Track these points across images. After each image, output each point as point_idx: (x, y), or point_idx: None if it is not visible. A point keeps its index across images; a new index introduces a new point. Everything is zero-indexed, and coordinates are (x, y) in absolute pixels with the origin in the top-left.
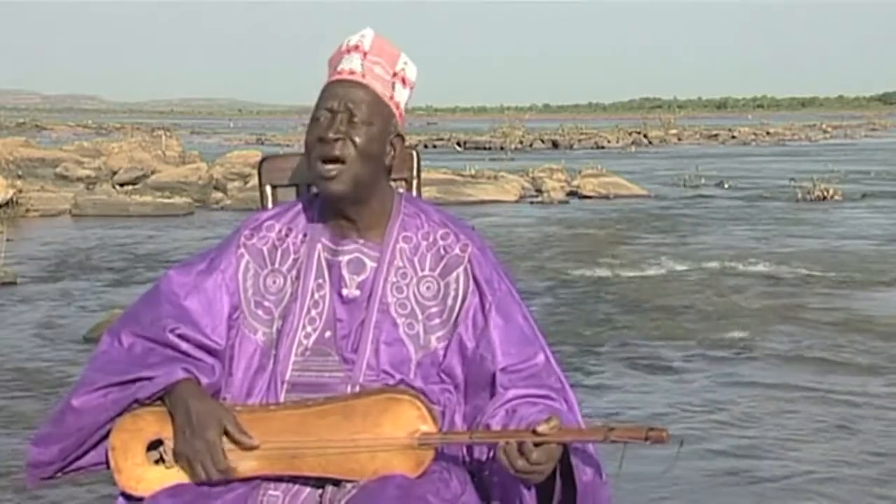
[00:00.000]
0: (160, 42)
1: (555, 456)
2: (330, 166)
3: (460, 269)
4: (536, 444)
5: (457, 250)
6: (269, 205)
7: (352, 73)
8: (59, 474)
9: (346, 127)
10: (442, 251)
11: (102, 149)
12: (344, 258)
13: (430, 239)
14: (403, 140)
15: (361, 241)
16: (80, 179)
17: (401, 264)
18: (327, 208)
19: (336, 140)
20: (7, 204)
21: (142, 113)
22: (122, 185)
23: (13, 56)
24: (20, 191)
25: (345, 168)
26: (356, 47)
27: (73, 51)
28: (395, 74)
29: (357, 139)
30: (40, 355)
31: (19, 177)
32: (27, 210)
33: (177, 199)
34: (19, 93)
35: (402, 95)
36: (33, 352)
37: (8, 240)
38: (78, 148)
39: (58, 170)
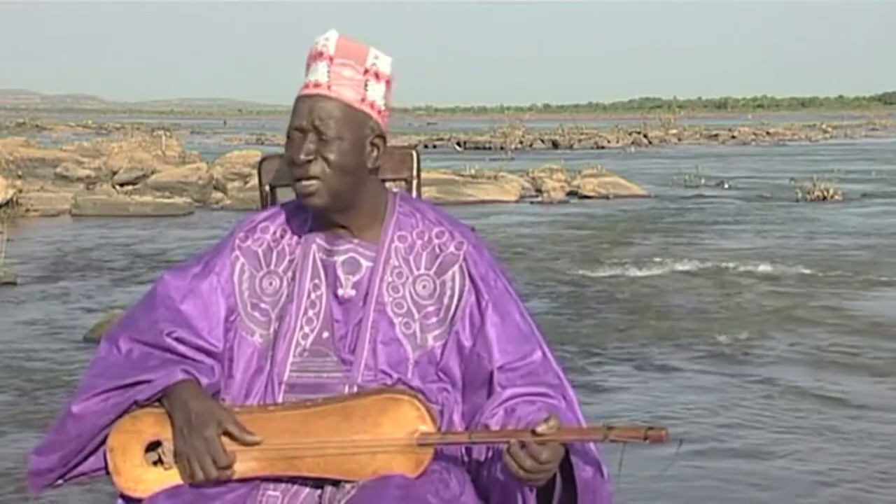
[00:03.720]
0: (160, 42)
1: (559, 454)
2: (306, 182)
3: (456, 268)
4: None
5: (452, 248)
6: (269, 205)
7: (317, 85)
8: (61, 481)
9: (315, 146)
10: (437, 250)
11: (102, 149)
12: (339, 258)
13: (426, 238)
14: (385, 139)
15: (356, 240)
16: (80, 179)
17: (396, 263)
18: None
19: (307, 162)
20: (7, 204)
21: (142, 113)
22: (122, 185)
23: (13, 56)
24: (20, 191)
25: (320, 184)
26: (321, 54)
27: (73, 51)
28: (366, 72)
29: (329, 156)
30: (40, 355)
31: (19, 177)
32: (27, 210)
33: (177, 199)
34: (19, 93)
35: (377, 92)
36: (33, 352)
37: (8, 240)
38: (78, 148)
39: (58, 170)
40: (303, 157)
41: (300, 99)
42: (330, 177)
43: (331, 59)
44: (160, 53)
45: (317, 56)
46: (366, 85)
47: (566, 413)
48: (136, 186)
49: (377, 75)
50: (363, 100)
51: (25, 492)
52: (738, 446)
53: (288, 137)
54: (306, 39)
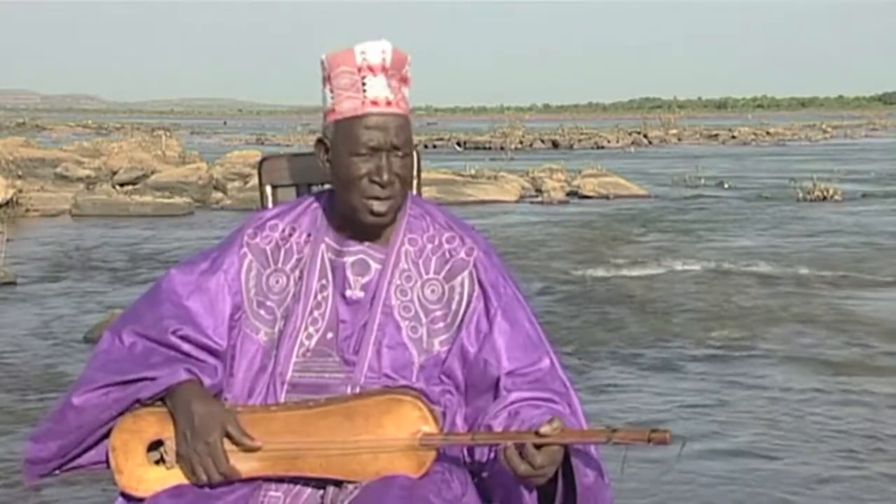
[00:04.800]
0: (160, 42)
1: (556, 459)
2: (385, 203)
3: (465, 274)
4: (538, 446)
5: (462, 254)
6: (270, 205)
7: (388, 103)
8: (57, 472)
9: (394, 165)
10: (447, 255)
11: (102, 149)
12: (348, 259)
13: (436, 242)
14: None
15: (367, 242)
16: (80, 179)
17: (405, 267)
18: (335, 210)
19: (391, 183)
20: (7, 204)
21: (142, 113)
22: (122, 185)
23: (13, 56)
24: (20, 191)
25: (393, 202)
26: (382, 67)
27: (72, 51)
28: (401, 79)
29: (401, 173)
30: (40, 355)
31: (19, 177)
32: (27, 210)
33: (177, 199)
34: (19, 93)
35: (407, 97)
36: (33, 351)
37: (8, 240)
38: (78, 148)
39: (58, 170)
40: (387, 177)
41: (373, 117)
42: (399, 194)
43: (386, 71)
44: (160, 53)
45: (376, 69)
46: (404, 93)
47: (570, 419)
48: (136, 186)
49: (406, 80)
50: (409, 110)
51: (24, 489)
52: (737, 445)
53: (356, 154)
54: (307, 39)
